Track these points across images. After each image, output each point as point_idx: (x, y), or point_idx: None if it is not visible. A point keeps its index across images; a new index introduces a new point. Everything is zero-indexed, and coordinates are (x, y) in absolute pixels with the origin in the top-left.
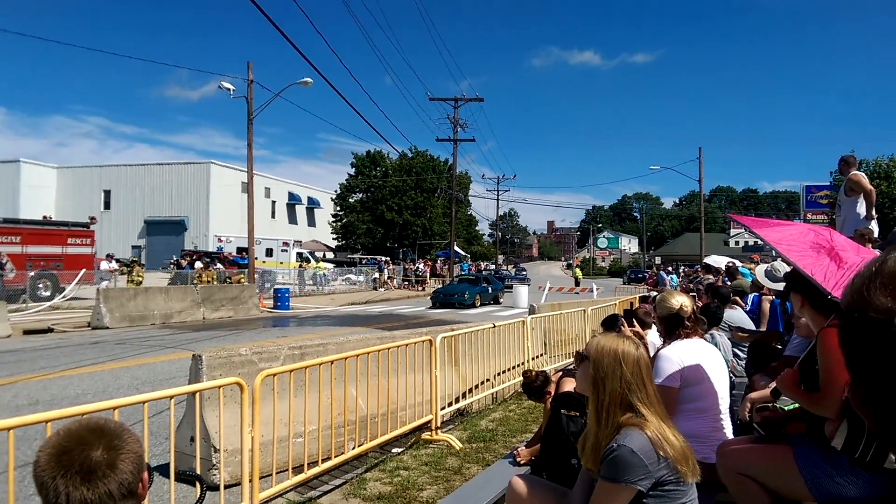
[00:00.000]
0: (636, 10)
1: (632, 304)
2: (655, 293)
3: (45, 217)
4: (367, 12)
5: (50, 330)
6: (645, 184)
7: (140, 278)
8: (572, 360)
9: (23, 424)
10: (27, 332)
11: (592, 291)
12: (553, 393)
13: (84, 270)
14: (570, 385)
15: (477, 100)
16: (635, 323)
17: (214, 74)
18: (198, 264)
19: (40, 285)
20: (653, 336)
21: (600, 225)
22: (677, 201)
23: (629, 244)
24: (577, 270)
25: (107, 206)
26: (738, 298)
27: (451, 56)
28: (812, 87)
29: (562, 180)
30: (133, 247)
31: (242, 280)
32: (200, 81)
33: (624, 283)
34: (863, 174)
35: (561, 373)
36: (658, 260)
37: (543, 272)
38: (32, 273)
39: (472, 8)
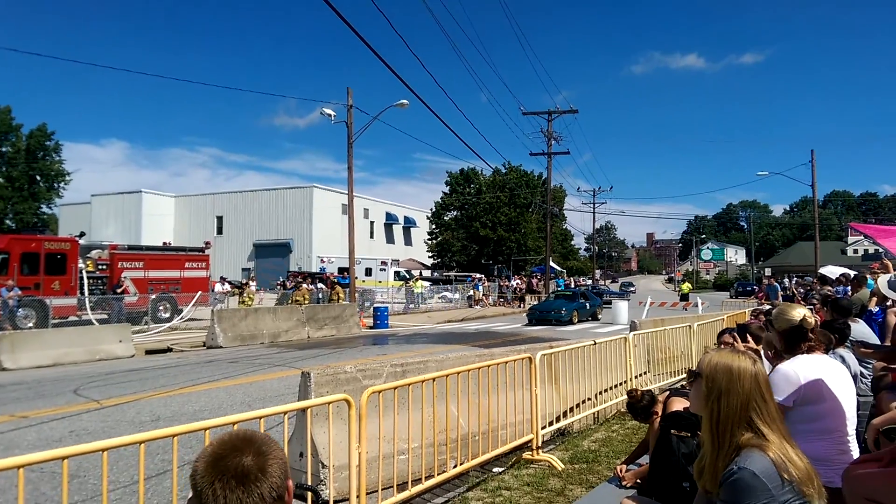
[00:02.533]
0: (743, 9)
1: (743, 319)
2: (769, 306)
3: (164, 243)
4: (459, 30)
5: (169, 350)
6: (752, 191)
7: (251, 299)
8: (677, 378)
9: (151, 439)
10: (149, 352)
11: (697, 306)
12: (660, 413)
13: (200, 293)
14: (678, 404)
15: (571, 112)
16: (749, 338)
17: (317, 102)
18: (304, 285)
19: (160, 307)
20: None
21: (704, 236)
22: (788, 208)
23: (735, 255)
24: (685, 285)
25: (219, 230)
26: None
27: (544, 69)
28: None
29: (661, 191)
30: (243, 269)
31: (342, 295)
32: (304, 109)
33: (731, 297)
34: None
35: (668, 392)
36: (768, 271)
37: (643, 286)
38: (154, 296)
39: (566, 19)
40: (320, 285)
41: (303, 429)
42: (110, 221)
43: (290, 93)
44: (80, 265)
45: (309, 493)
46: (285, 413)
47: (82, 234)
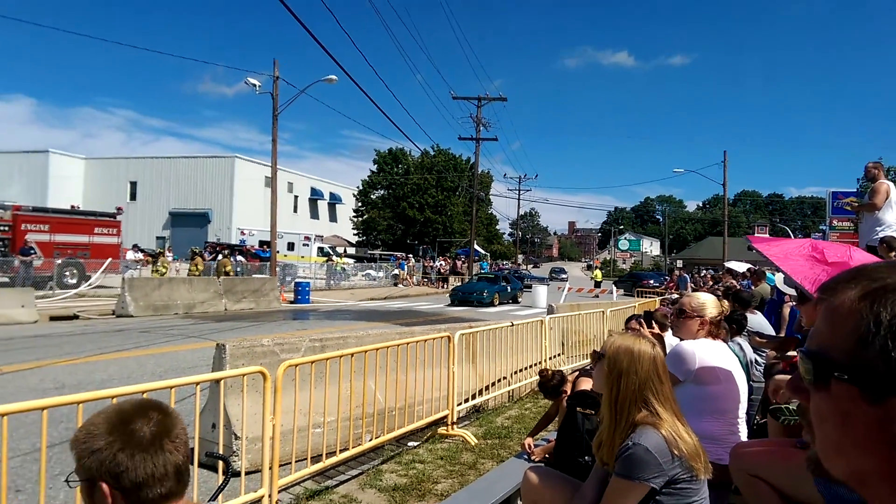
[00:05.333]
0: (676, 13)
1: (654, 307)
2: (676, 295)
3: (72, 206)
4: (392, 12)
5: (76, 317)
6: (668, 186)
7: (165, 269)
8: (589, 360)
9: (54, 405)
10: (53, 319)
11: (612, 293)
12: (568, 392)
13: (110, 259)
14: (586, 384)
15: (500, 99)
16: (654, 325)
17: (242, 71)
18: (220, 257)
19: (67, 273)
20: (669, 339)
21: (622, 227)
22: (701, 205)
23: (651, 247)
24: (597, 272)
25: (133, 197)
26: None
27: (475, 56)
28: (840, 92)
29: (585, 181)
30: (157, 237)
31: (228, 268)
32: (229, 78)
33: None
34: (888, 184)
35: (577, 372)
36: (679, 263)
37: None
38: (60, 261)
39: (503, 8)
40: (240, 258)
41: (216, 400)
42: (13, 181)
43: (213, 60)
44: None
45: (220, 462)
46: (198, 383)
47: None
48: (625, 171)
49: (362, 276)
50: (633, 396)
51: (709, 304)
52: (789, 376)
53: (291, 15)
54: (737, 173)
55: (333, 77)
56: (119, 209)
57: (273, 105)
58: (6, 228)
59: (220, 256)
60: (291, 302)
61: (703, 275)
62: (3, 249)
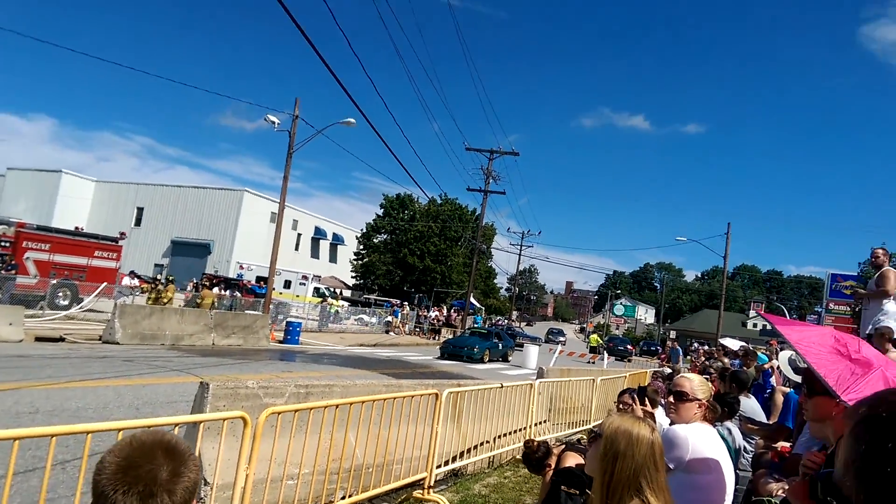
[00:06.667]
0: (693, 80)
1: (644, 379)
2: (668, 369)
3: (76, 228)
4: (416, 58)
5: (62, 339)
6: (670, 254)
7: (168, 298)
8: (575, 430)
9: (27, 437)
10: (39, 339)
11: (603, 360)
12: (553, 466)
13: (105, 284)
14: (571, 460)
15: (512, 153)
16: (646, 401)
17: (263, 108)
18: (215, 290)
19: (60, 294)
20: (660, 416)
21: (619, 291)
22: (699, 275)
23: (646, 314)
24: (594, 336)
25: (138, 223)
26: None
27: (493, 110)
28: (847, 175)
29: (587, 242)
30: (156, 265)
31: (207, 301)
32: (250, 113)
33: (636, 355)
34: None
35: (563, 446)
36: (673, 334)
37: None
38: (54, 281)
39: (524, 66)
40: (236, 293)
41: (192, 442)
42: (22, 198)
43: (241, 95)
44: None
45: None
46: (176, 425)
47: None
48: (628, 234)
49: (354, 320)
50: (627, 483)
51: (705, 386)
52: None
53: (317, 54)
54: (738, 245)
55: (352, 120)
56: (122, 234)
57: (289, 143)
58: (7, 245)
59: (215, 289)
60: (280, 341)
61: (695, 349)
62: (1, 266)
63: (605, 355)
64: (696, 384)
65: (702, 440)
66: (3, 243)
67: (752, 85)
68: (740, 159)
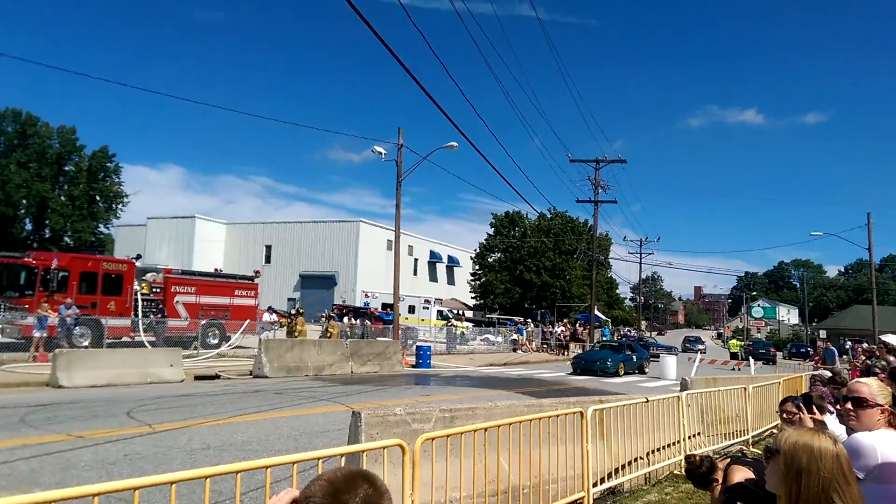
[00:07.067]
0: (807, 68)
1: (800, 383)
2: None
3: (216, 269)
4: (510, 76)
5: (217, 377)
6: (805, 250)
7: (302, 328)
8: (731, 441)
9: (216, 474)
10: (197, 378)
11: (750, 366)
12: (721, 481)
13: (248, 321)
14: (740, 474)
15: (619, 161)
16: (814, 409)
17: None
18: (346, 319)
19: (210, 334)
20: (832, 424)
21: (754, 293)
22: (842, 270)
23: (788, 315)
24: (733, 342)
25: (267, 259)
26: None
27: (594, 118)
28: None
29: (711, 245)
30: (289, 299)
31: (334, 332)
32: (357, 146)
33: (784, 358)
34: None
35: (728, 459)
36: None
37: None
38: (203, 322)
39: (625, 70)
40: (367, 321)
41: None
42: (164, 244)
43: (346, 129)
44: (136, 287)
45: None
46: (342, 455)
47: (139, 257)
48: (755, 233)
49: (481, 340)
50: (817, 499)
51: (884, 390)
52: None
53: (419, 86)
54: (882, 237)
55: (454, 144)
56: (257, 272)
57: (397, 172)
58: (158, 290)
59: (344, 319)
60: (413, 366)
61: (849, 348)
62: (154, 310)
63: (752, 361)
64: (875, 389)
65: (890, 447)
66: (154, 289)
67: (875, 66)
68: (873, 143)
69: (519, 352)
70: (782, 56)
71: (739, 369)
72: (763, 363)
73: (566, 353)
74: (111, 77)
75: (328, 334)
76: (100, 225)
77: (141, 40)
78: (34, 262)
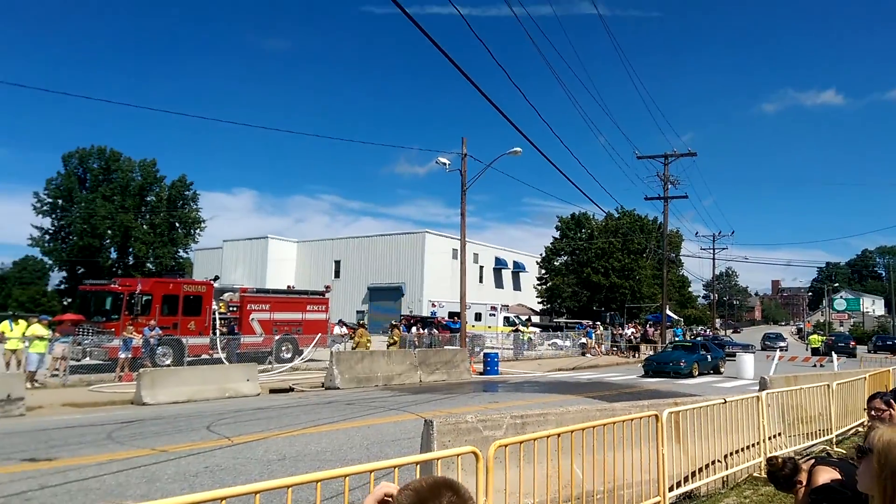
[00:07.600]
0: (888, 43)
1: (888, 378)
2: None
3: (288, 287)
4: (572, 74)
5: (291, 389)
6: (891, 237)
7: (366, 340)
8: (814, 441)
9: (297, 483)
10: (272, 391)
11: (833, 362)
12: (805, 483)
13: (320, 335)
14: (825, 475)
15: (689, 154)
16: None
17: (433, 152)
18: (414, 329)
19: (283, 348)
20: None
21: (836, 284)
22: None
23: (873, 306)
24: (814, 337)
25: (337, 274)
26: None
27: (661, 112)
28: None
29: (789, 236)
30: (357, 311)
31: (396, 339)
32: (420, 158)
33: (869, 352)
34: None
35: (812, 460)
36: None
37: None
38: (277, 337)
39: (690, 59)
40: (434, 330)
41: None
42: (239, 265)
43: (410, 142)
44: (214, 307)
45: None
46: (417, 463)
47: (216, 278)
48: (836, 221)
49: (548, 345)
50: None
51: None
52: None
53: (480, 93)
54: None
55: (518, 150)
56: (327, 287)
57: (461, 181)
58: (234, 309)
59: (412, 329)
60: (481, 373)
61: None
62: (232, 328)
63: (835, 357)
64: None
65: None
66: (231, 308)
67: None
68: None
69: (588, 355)
70: (859, 31)
71: (823, 365)
72: (847, 357)
73: (637, 355)
74: (187, 110)
75: (392, 342)
76: (179, 250)
77: (213, 71)
78: (120, 287)
